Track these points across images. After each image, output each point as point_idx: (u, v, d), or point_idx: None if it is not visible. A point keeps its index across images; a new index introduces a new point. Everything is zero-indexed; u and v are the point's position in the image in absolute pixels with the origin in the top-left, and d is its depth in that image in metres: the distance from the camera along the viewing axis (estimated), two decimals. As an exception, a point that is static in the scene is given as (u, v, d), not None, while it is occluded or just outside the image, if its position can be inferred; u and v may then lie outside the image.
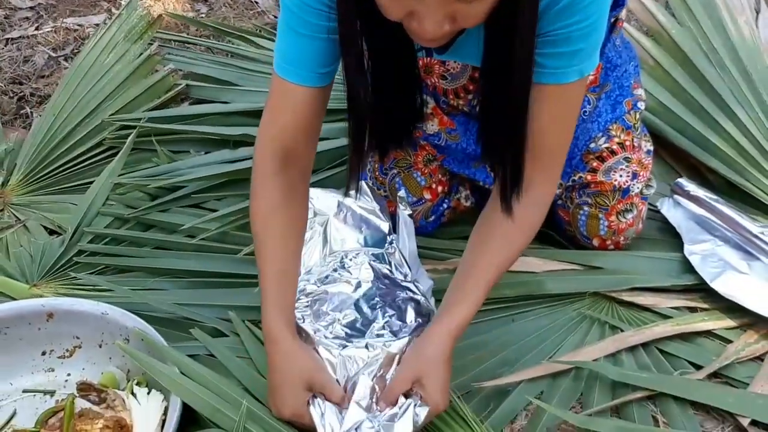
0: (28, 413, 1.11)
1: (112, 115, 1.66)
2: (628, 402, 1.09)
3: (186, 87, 1.77)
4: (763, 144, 1.50)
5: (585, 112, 1.32)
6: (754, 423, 1.06)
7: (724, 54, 1.65)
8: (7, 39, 2.29)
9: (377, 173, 1.42)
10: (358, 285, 1.11)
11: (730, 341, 1.21)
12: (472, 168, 1.37)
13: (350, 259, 1.18)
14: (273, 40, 2.00)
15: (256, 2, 2.37)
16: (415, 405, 0.96)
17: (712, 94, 1.60)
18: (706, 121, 1.57)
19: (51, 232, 1.50)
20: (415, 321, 1.09)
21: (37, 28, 2.30)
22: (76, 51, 2.24)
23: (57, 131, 1.64)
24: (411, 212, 1.30)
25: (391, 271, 1.16)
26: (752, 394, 1.09)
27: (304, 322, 1.06)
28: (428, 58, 1.23)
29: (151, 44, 1.82)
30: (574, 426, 1.06)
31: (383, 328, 1.06)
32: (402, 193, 1.35)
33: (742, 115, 1.54)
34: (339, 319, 1.07)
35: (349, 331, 1.05)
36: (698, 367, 1.17)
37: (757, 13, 1.84)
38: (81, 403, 1.04)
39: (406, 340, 1.04)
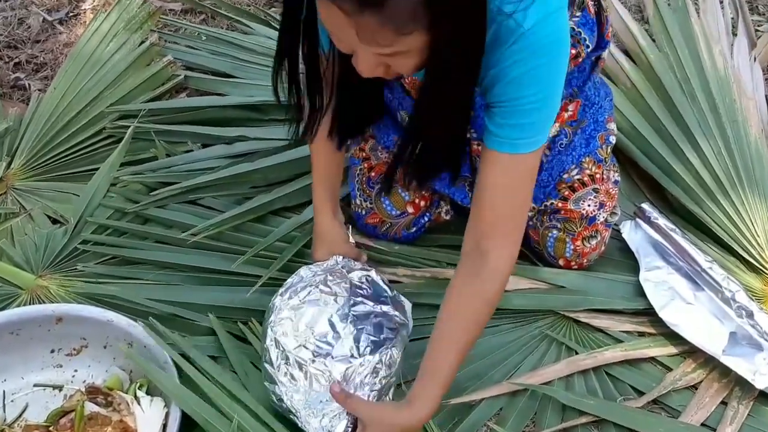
0: (39, 407, 1.23)
1: (112, 104, 1.73)
2: (575, 426, 1.24)
3: (184, 78, 1.83)
4: (721, 178, 1.61)
5: (561, 144, 1.42)
6: (680, 450, 1.22)
7: (696, 84, 1.74)
8: (0, -4, 2.31)
9: (364, 186, 1.52)
10: (335, 300, 1.21)
11: (670, 369, 1.35)
12: (452, 187, 1.48)
13: (332, 275, 1.29)
14: (267, 23, 2.06)
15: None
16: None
17: (681, 123, 1.70)
18: (672, 149, 1.68)
19: (53, 221, 1.59)
20: (380, 338, 1.18)
21: (31, -13, 2.31)
22: (71, 14, 2.27)
23: (58, 118, 1.71)
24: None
25: (368, 288, 1.27)
26: (681, 424, 1.24)
27: (283, 334, 1.17)
28: None
29: (154, 31, 1.87)
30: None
31: (351, 341, 1.16)
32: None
33: (705, 147, 1.65)
34: (313, 333, 1.17)
35: (319, 344, 1.15)
36: (640, 393, 1.31)
37: (734, 36, 1.93)
38: (89, 406, 1.15)
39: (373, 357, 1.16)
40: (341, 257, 1.32)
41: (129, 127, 1.69)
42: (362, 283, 1.26)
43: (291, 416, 1.17)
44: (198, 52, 1.90)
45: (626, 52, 1.87)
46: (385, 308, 1.23)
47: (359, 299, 1.22)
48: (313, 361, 1.15)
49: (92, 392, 1.18)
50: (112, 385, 1.22)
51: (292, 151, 1.63)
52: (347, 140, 1.35)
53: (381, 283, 1.29)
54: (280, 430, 1.17)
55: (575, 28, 1.26)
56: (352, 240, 1.40)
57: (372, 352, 1.16)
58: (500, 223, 1.12)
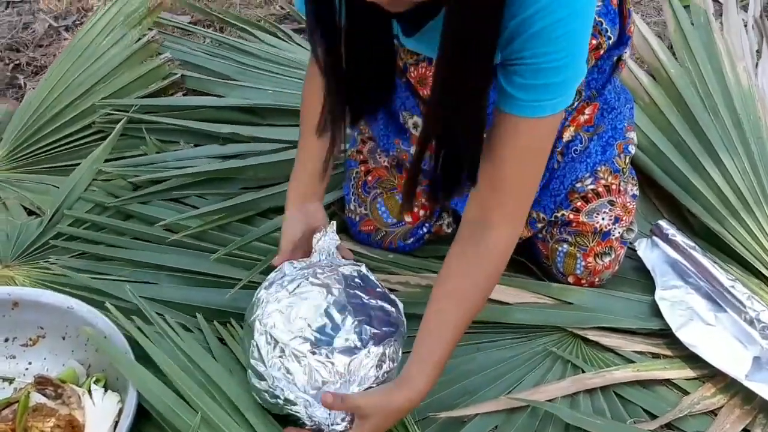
0: (-15, 399, 1.12)
1: (104, 99, 1.66)
2: (579, 447, 1.11)
3: (181, 77, 1.76)
4: (746, 195, 1.49)
5: (575, 150, 1.32)
6: (698, 481, 1.07)
7: (719, 100, 1.64)
8: (8, 2, 2.28)
9: (360, 190, 1.42)
10: (329, 291, 1.12)
11: (687, 392, 1.22)
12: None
13: (321, 269, 1.18)
14: (275, 34, 2.00)
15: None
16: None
17: (702, 139, 1.60)
18: (693, 165, 1.57)
19: (30, 213, 1.50)
20: (382, 330, 1.09)
21: (39, -6, 2.28)
22: (78, 22, 2.22)
23: (47, 110, 1.63)
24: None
25: (361, 282, 1.17)
26: (700, 451, 1.11)
27: (275, 327, 1.08)
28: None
29: (151, 30, 1.81)
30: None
31: (352, 332, 1.07)
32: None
33: (728, 164, 1.54)
34: (310, 324, 1.07)
35: (318, 335, 1.06)
36: (653, 416, 1.17)
37: (759, 56, 1.84)
38: (37, 397, 1.04)
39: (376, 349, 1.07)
40: (324, 255, 1.21)
41: (119, 121, 1.62)
42: (354, 276, 1.16)
43: (288, 409, 1.05)
44: (197, 53, 1.83)
45: (644, 68, 1.78)
46: (381, 303, 1.13)
47: (354, 291, 1.12)
48: (313, 353, 1.04)
49: (41, 383, 1.07)
50: (66, 377, 1.10)
51: (288, 152, 1.54)
52: (360, 119, 1.20)
53: (373, 278, 1.19)
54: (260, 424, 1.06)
55: (596, 17, 1.17)
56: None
57: (376, 344, 1.06)
58: (510, 196, 1.03)
